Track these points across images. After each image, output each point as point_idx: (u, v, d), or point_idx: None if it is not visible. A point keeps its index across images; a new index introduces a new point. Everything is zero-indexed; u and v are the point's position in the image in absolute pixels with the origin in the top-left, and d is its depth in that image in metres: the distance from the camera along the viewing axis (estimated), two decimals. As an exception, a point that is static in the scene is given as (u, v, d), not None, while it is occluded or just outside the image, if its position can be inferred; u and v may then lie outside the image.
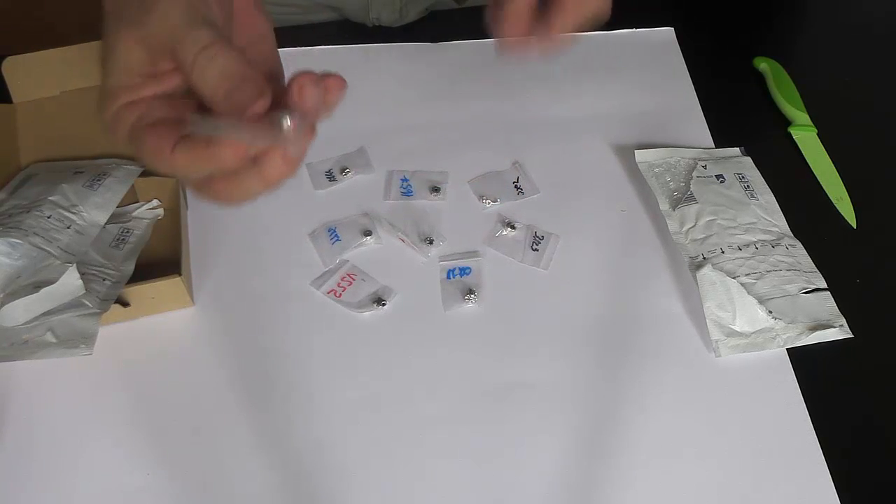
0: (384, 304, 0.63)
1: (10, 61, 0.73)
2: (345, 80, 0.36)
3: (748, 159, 0.73)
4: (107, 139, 0.72)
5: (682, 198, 0.68)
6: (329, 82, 0.35)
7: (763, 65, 0.80)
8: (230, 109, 0.33)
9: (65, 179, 0.66)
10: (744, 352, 0.60)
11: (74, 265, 0.58)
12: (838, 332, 0.61)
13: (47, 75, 0.74)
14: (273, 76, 0.40)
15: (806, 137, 0.75)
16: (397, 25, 0.86)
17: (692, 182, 0.69)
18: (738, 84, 0.81)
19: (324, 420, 0.58)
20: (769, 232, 0.66)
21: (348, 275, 0.65)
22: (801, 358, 0.60)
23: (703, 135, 0.76)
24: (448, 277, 0.65)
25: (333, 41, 0.83)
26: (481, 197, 0.71)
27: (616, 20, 0.85)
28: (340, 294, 0.64)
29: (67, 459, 0.56)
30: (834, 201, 0.70)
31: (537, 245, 0.67)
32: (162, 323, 0.63)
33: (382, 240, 0.68)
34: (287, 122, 0.31)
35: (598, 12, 0.48)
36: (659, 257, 0.67)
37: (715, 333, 0.60)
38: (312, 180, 0.72)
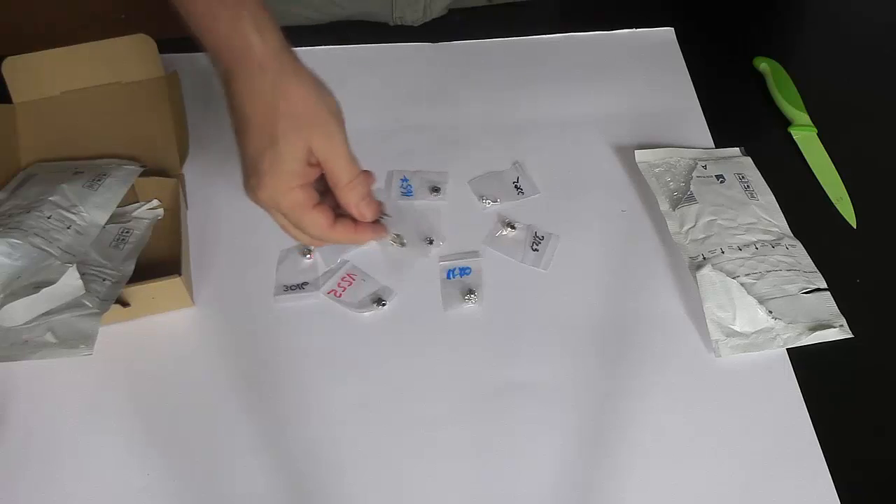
0: (384, 304, 0.63)
1: (10, 61, 0.73)
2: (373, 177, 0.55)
3: (748, 159, 0.73)
4: (107, 139, 0.73)
5: (682, 198, 0.68)
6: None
7: (763, 65, 0.80)
8: (357, 216, 0.55)
9: (65, 179, 0.65)
10: (744, 352, 0.60)
11: (74, 265, 0.58)
12: (838, 332, 0.61)
13: (47, 75, 0.74)
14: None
15: (806, 137, 0.75)
16: (419, 24, 0.86)
17: (692, 182, 0.69)
18: (738, 84, 0.81)
19: (323, 419, 0.58)
20: (769, 232, 0.66)
21: (348, 275, 0.65)
22: (801, 358, 0.60)
23: (703, 135, 0.76)
24: (448, 277, 0.65)
25: (347, 41, 0.83)
26: (481, 197, 0.71)
27: (616, 20, 0.86)
28: (340, 294, 0.64)
29: (67, 459, 0.56)
30: (834, 201, 0.70)
31: (537, 245, 0.67)
32: (162, 323, 0.63)
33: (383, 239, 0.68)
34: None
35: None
36: (659, 257, 0.67)
37: (715, 333, 0.60)
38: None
